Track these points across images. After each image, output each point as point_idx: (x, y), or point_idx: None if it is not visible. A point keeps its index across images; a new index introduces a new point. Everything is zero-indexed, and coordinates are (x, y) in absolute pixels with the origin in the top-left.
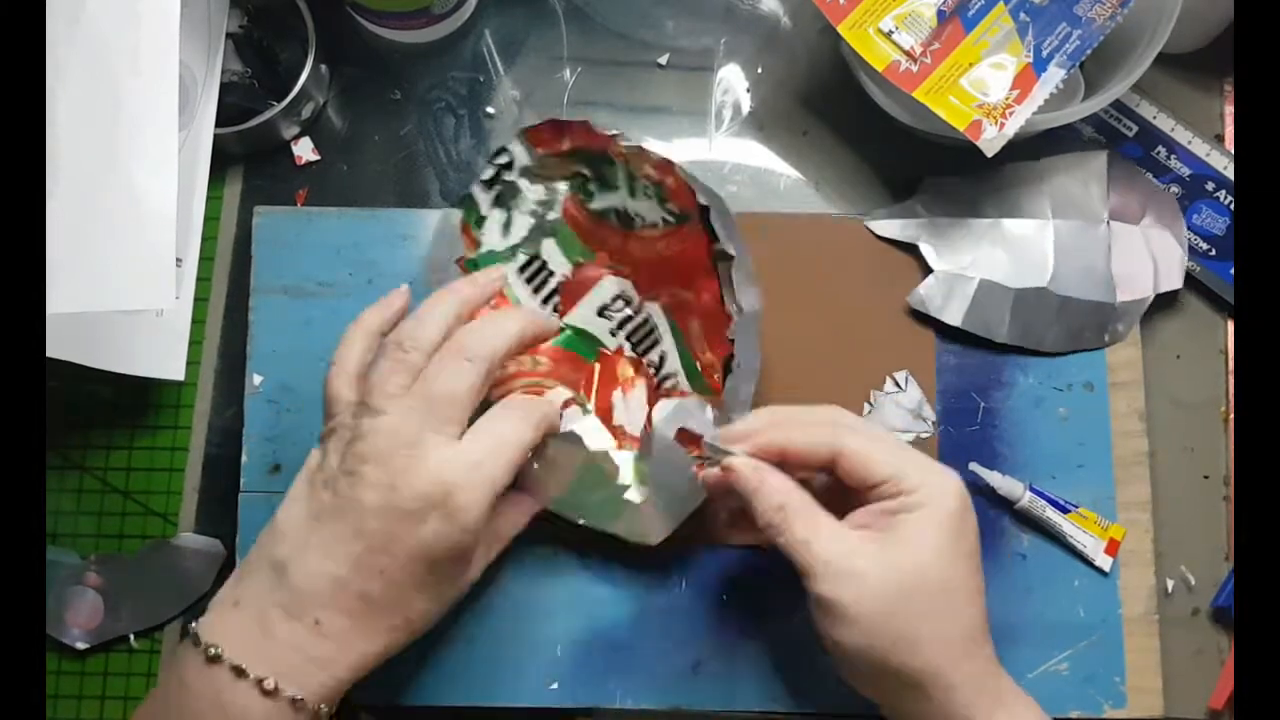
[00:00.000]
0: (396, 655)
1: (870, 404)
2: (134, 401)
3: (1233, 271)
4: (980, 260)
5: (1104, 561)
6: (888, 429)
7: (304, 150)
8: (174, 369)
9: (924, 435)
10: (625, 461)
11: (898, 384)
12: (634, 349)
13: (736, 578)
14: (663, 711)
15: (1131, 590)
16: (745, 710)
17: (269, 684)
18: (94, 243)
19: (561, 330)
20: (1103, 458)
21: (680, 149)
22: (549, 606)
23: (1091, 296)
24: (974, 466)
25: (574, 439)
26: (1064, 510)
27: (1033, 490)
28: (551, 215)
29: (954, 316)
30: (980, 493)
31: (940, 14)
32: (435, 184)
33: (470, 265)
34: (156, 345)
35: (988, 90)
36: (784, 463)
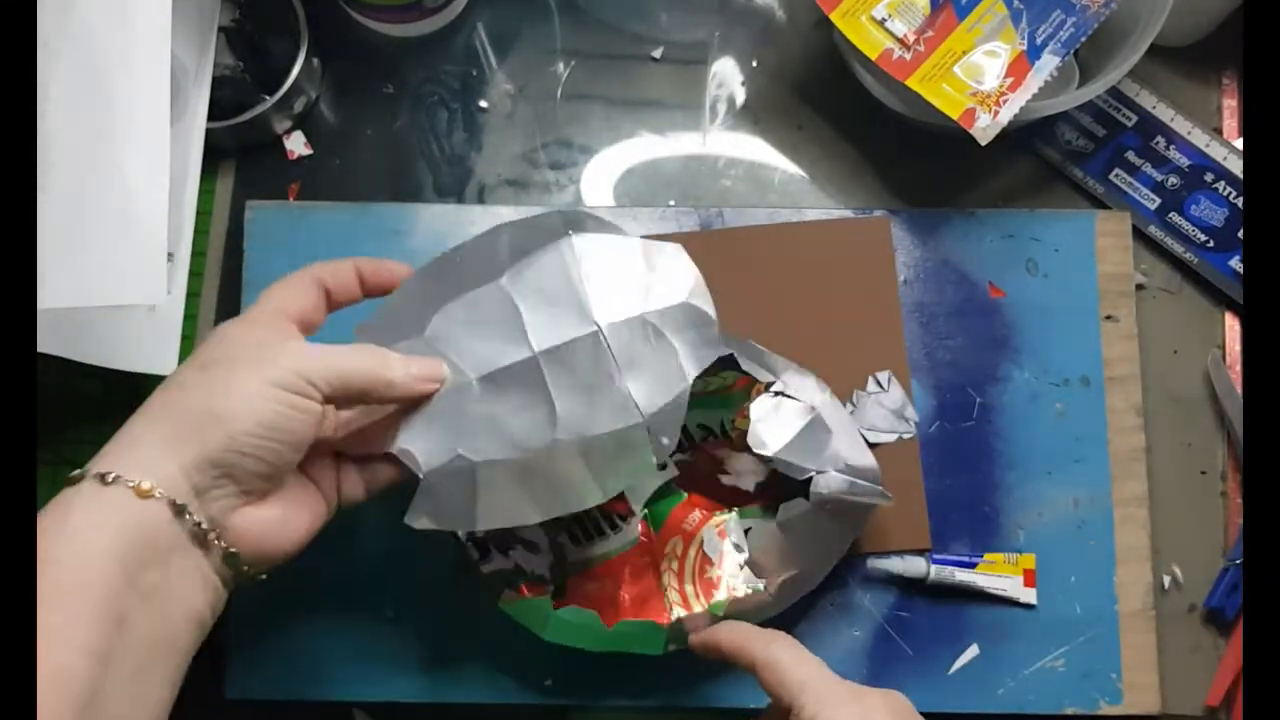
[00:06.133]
0: (396, 653)
1: (852, 403)
2: (126, 397)
3: (1232, 264)
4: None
5: (1028, 595)
6: (869, 428)
7: (296, 144)
8: (166, 364)
9: (906, 436)
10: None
11: (880, 384)
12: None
13: None
14: (655, 708)
15: (1128, 586)
16: (735, 707)
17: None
18: (86, 238)
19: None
20: (1099, 453)
21: (674, 143)
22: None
23: None
24: (872, 562)
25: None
26: (971, 565)
27: (934, 560)
28: None
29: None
30: (890, 581)
31: (933, 1)
32: (428, 178)
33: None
34: (148, 340)
35: (981, 78)
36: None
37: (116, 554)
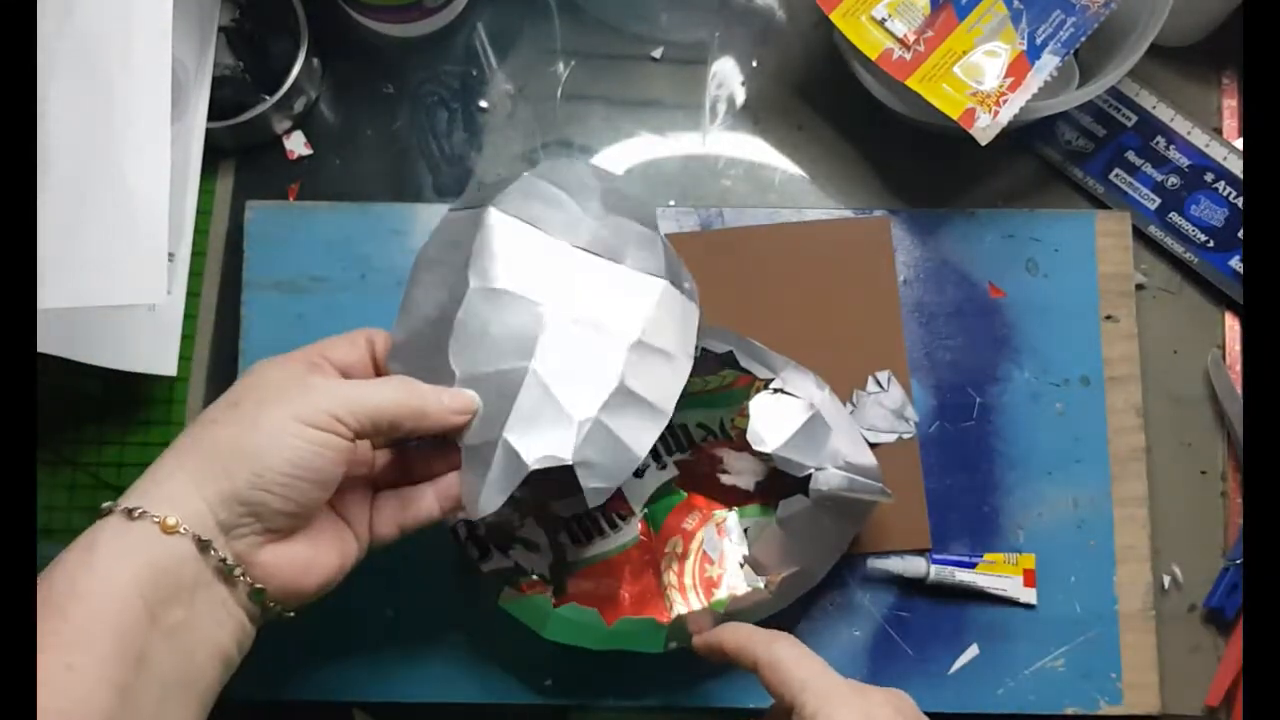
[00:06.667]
0: (396, 653)
1: (852, 403)
2: (126, 397)
3: (1232, 264)
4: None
5: (1028, 595)
6: (869, 428)
7: (296, 144)
8: (166, 364)
9: (905, 435)
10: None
11: (880, 384)
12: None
13: None
14: (655, 708)
15: (1128, 586)
16: (736, 706)
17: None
18: (86, 238)
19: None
20: (1099, 453)
21: (674, 143)
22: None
23: None
24: (872, 562)
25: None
26: (971, 565)
27: (934, 560)
28: None
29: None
30: (890, 581)
31: (933, 1)
32: (428, 178)
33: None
34: (148, 340)
35: (981, 78)
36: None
37: (139, 589)
